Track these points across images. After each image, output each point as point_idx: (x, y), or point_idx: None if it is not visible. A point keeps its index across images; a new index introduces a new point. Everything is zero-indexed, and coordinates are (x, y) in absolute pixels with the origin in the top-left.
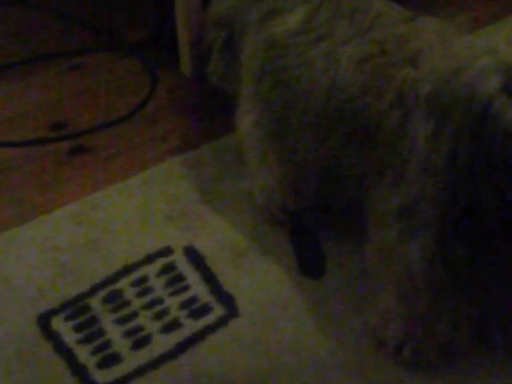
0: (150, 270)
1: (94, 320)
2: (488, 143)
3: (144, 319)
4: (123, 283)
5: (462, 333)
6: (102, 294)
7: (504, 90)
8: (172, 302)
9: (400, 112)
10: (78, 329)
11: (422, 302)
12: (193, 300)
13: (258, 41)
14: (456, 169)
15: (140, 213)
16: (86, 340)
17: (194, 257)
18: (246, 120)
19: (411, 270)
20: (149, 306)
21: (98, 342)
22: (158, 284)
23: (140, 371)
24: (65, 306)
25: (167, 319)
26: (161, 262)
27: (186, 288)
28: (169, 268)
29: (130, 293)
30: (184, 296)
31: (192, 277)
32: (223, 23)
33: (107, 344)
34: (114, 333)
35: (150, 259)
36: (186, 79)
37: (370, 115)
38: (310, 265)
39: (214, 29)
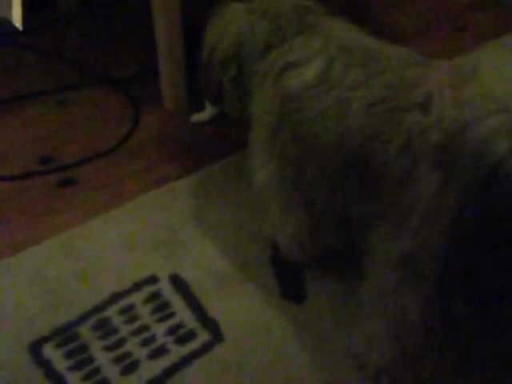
0: (137, 297)
1: (83, 347)
2: (495, 204)
3: (132, 346)
4: (111, 311)
5: (445, 372)
6: (91, 321)
7: None
8: (159, 329)
9: (407, 159)
10: (68, 356)
11: (412, 344)
12: (179, 326)
13: (273, 95)
14: (461, 225)
15: (126, 242)
16: (76, 367)
17: (179, 284)
18: (263, 173)
19: (408, 319)
20: (136, 332)
21: (88, 369)
22: (144, 311)
23: None
24: (55, 333)
25: (154, 345)
26: (147, 290)
27: (172, 315)
28: (155, 296)
29: (117, 320)
30: (170, 322)
31: (177, 304)
32: (229, 62)
33: (97, 370)
34: (103, 359)
35: (136, 287)
36: (169, 114)
37: (377, 161)
38: (291, 289)
39: (221, 68)
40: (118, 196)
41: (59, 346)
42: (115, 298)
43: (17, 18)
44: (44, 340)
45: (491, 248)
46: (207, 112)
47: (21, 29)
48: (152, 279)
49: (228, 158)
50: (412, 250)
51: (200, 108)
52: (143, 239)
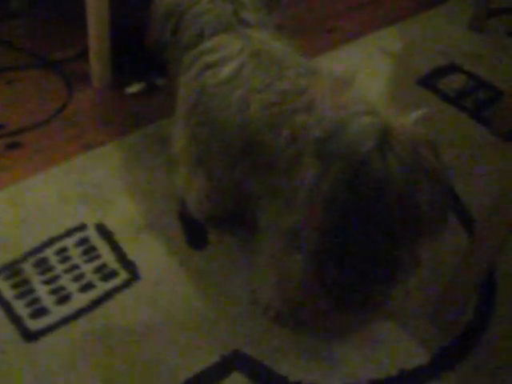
0: (69, 242)
1: (26, 281)
2: (361, 192)
3: (65, 281)
4: (48, 252)
5: (318, 316)
6: (32, 260)
7: (378, 147)
8: (87, 268)
9: (293, 149)
10: (14, 287)
11: (292, 291)
12: (103, 266)
13: (193, 86)
14: (334, 209)
15: (61, 196)
16: (20, 296)
17: (104, 232)
18: (180, 142)
19: (290, 274)
20: (69, 270)
21: (30, 298)
22: (75, 253)
23: (63, 321)
24: (3, 269)
25: (83, 281)
26: (77, 236)
27: (98, 257)
28: (84, 241)
29: (54, 259)
30: (96, 263)
31: (102, 248)
32: (171, 15)
33: (37, 299)
34: (42, 291)
35: (69, 233)
36: (97, 90)
37: (270, 149)
38: (195, 238)
39: (163, 20)
40: (55, 157)
41: (6, 278)
42: (51, 241)
43: None
44: None
45: (356, 230)
46: (137, 86)
47: None
48: (82, 227)
49: (147, 128)
50: (296, 225)
51: (129, 82)
52: (75, 194)
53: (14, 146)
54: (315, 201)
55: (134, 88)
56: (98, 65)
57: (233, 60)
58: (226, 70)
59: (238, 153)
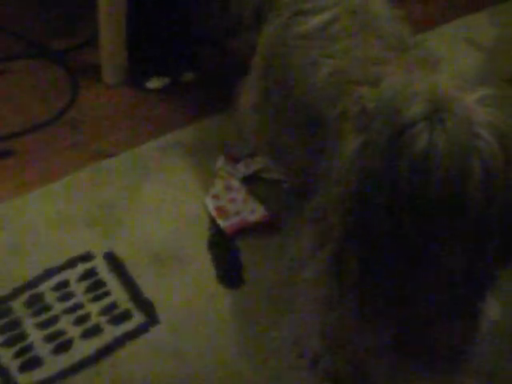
0: (71, 274)
1: (15, 323)
2: (398, 163)
3: (65, 324)
4: (45, 287)
5: (376, 355)
6: (24, 297)
7: (426, 116)
8: (93, 308)
9: (342, 123)
10: (0, 331)
11: (333, 317)
12: (113, 306)
13: (278, 34)
14: (367, 192)
15: (62, 218)
16: (8, 343)
17: (114, 262)
18: (248, 99)
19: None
20: (70, 310)
21: (19, 346)
22: (79, 289)
23: (60, 375)
24: None
25: (88, 325)
26: (82, 267)
27: (107, 294)
28: (90, 273)
29: (51, 297)
30: (104, 302)
31: (112, 282)
32: None
33: (29, 347)
34: (35, 336)
35: (71, 264)
36: (108, 87)
37: (325, 120)
38: (228, 274)
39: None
40: (54, 170)
41: None
42: (49, 273)
43: None
44: None
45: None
46: (159, 81)
47: None
48: (87, 256)
49: (168, 136)
50: (321, 206)
51: (149, 75)
52: (78, 215)
53: (4, 154)
54: (348, 179)
55: (154, 83)
56: (109, 55)
57: (326, 11)
58: (316, 21)
59: (304, 123)
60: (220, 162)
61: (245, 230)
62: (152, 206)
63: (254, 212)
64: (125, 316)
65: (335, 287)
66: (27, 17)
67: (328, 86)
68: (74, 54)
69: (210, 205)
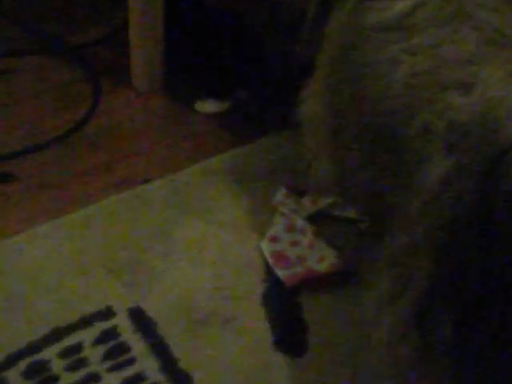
0: (85, 336)
1: None
2: (495, 191)
3: None
4: (50, 352)
5: None
6: (22, 365)
7: None
8: (112, 380)
9: (424, 140)
10: None
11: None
12: (139, 378)
13: (346, 24)
14: (462, 224)
15: (75, 262)
16: None
17: (142, 321)
18: (313, 104)
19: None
20: (82, 383)
21: None
22: (94, 355)
23: None
24: None
25: None
26: (99, 327)
27: (131, 362)
28: (109, 335)
29: (57, 365)
30: (127, 372)
31: (138, 347)
32: None
33: None
34: None
35: (85, 322)
36: (138, 94)
37: (399, 136)
38: (288, 338)
39: None
40: (67, 199)
41: None
42: (56, 334)
43: None
44: None
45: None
46: (217, 105)
47: None
48: (106, 313)
49: (214, 159)
50: (402, 245)
51: (205, 96)
52: (97, 259)
53: (4, 178)
54: (437, 211)
55: (211, 106)
56: (141, 54)
57: None
58: (397, 8)
59: (371, 141)
60: (280, 194)
61: (310, 282)
62: (191, 250)
63: (323, 259)
64: None
65: (419, 348)
66: (36, 4)
67: (406, 91)
68: (95, 51)
69: (267, 249)
